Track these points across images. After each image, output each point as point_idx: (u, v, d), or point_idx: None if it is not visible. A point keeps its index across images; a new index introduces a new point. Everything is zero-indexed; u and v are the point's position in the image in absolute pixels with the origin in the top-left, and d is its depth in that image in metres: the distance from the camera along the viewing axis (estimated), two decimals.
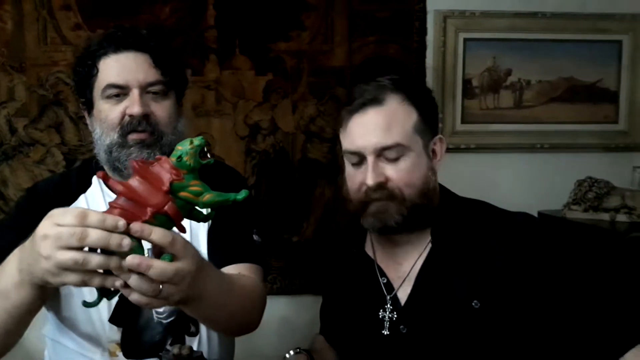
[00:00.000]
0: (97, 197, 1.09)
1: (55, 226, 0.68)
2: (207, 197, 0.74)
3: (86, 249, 0.68)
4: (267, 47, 1.78)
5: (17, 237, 1.01)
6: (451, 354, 0.93)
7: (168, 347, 0.97)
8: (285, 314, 1.89)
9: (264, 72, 1.79)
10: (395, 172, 0.95)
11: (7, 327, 0.83)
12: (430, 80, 1.83)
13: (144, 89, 1.02)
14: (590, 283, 0.95)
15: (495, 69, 1.86)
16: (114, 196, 1.05)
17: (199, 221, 0.77)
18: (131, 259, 0.67)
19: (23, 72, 1.72)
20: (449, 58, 1.84)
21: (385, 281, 1.02)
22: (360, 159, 0.97)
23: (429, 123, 1.00)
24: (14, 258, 0.78)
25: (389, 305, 1.01)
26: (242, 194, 0.75)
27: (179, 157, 0.73)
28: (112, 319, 1.00)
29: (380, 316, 1.00)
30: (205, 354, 1.01)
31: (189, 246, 0.75)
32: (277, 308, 1.86)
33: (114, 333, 1.02)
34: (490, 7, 1.83)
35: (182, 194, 0.73)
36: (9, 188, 1.75)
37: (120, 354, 1.01)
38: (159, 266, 0.69)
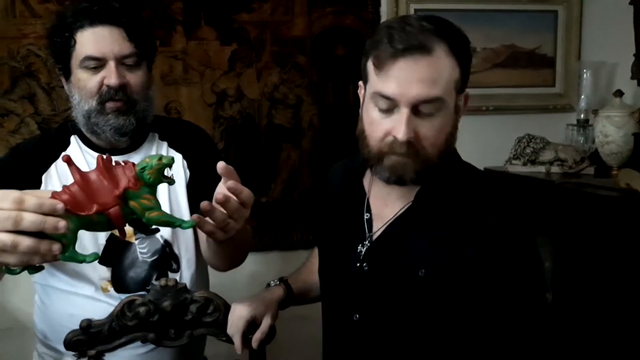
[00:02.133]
0: (76, 154, 1.18)
1: None
2: (154, 214, 0.76)
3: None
4: (231, 18, 1.88)
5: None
6: (401, 307, 0.95)
7: (154, 281, 1.09)
8: (255, 269, 2.02)
9: (229, 42, 1.89)
10: (428, 130, 0.88)
11: None
12: None
13: (120, 61, 1.11)
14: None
15: None
16: (93, 154, 1.17)
17: (140, 232, 0.82)
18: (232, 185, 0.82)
19: None
20: None
21: (368, 217, 1.01)
22: (391, 106, 0.88)
23: (465, 78, 0.93)
24: None
25: (367, 242, 1.00)
26: (188, 223, 0.78)
27: (143, 169, 0.75)
28: (101, 261, 1.11)
29: (358, 250, 1.00)
30: None
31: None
32: (247, 263, 1.97)
33: (104, 272, 1.13)
34: None
35: (132, 203, 0.75)
36: None
37: (111, 289, 1.13)
38: (248, 191, 0.85)
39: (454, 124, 0.93)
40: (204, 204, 0.84)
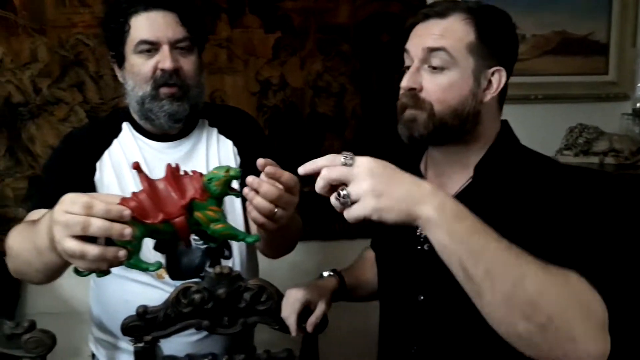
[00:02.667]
0: (128, 141, 1.19)
1: (64, 213, 0.72)
2: (219, 226, 0.76)
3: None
4: (276, 5, 1.87)
5: (61, 177, 1.14)
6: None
7: (208, 268, 1.10)
8: (295, 259, 2.02)
9: (273, 30, 1.88)
10: (431, 84, 0.94)
11: (46, 273, 0.94)
12: None
13: (173, 45, 1.11)
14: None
15: None
16: (145, 140, 1.17)
17: (205, 242, 0.83)
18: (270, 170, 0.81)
19: (44, 34, 1.80)
20: None
21: None
22: (409, 63, 0.96)
23: (492, 50, 0.94)
24: (45, 222, 0.80)
25: None
26: (252, 238, 0.79)
27: (210, 180, 0.75)
28: (156, 247, 1.13)
29: (418, 233, 0.99)
30: None
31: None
32: (289, 254, 2.00)
33: (158, 258, 1.14)
34: None
35: (198, 214, 0.75)
36: (36, 145, 1.85)
37: (166, 276, 1.14)
38: (289, 174, 0.85)
39: (472, 91, 0.94)
40: (249, 179, 0.83)
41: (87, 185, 1.14)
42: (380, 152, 1.13)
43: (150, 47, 1.11)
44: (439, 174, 1.03)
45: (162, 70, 1.11)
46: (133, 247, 0.74)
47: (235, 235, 0.78)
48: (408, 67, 0.97)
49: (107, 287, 1.18)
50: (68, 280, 1.93)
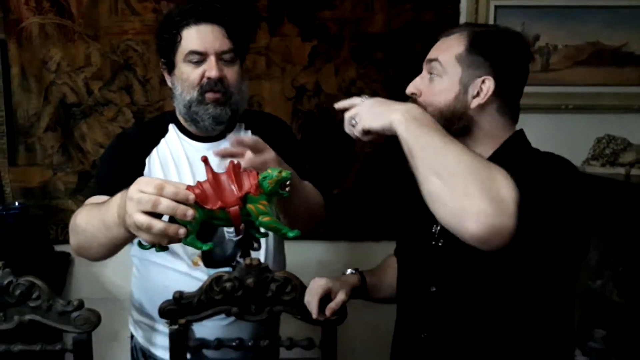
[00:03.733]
0: (174, 141, 1.30)
1: (139, 192, 0.82)
2: (266, 219, 0.85)
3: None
4: (313, 15, 1.96)
5: (116, 169, 1.26)
6: (481, 273, 1.01)
7: (239, 259, 1.19)
8: (324, 258, 2.10)
9: (310, 38, 1.97)
10: (426, 89, 1.06)
11: (109, 247, 1.05)
12: None
13: (219, 56, 1.22)
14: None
15: (524, 35, 1.98)
16: (189, 141, 1.28)
17: (252, 231, 0.91)
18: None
19: (97, 40, 1.95)
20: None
21: None
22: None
23: (484, 62, 1.03)
24: (116, 200, 0.92)
25: None
26: (293, 233, 0.86)
27: (264, 178, 0.84)
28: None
29: (432, 230, 1.08)
30: None
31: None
32: (317, 251, 2.08)
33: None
34: None
35: (250, 206, 0.84)
36: (86, 142, 2.00)
37: (201, 263, 1.24)
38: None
39: (457, 97, 1.04)
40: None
41: (138, 177, 1.25)
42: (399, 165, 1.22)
43: (199, 58, 1.22)
44: None
45: (209, 78, 1.22)
46: (192, 228, 0.82)
47: (279, 228, 0.86)
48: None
49: (149, 274, 1.29)
50: (110, 269, 2.07)
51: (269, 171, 0.85)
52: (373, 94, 2.04)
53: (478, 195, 0.84)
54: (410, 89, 1.08)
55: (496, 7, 1.97)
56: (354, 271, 1.25)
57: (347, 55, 1.98)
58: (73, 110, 1.98)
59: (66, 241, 1.35)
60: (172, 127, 1.32)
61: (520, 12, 1.98)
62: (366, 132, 0.98)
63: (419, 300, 1.09)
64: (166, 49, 1.25)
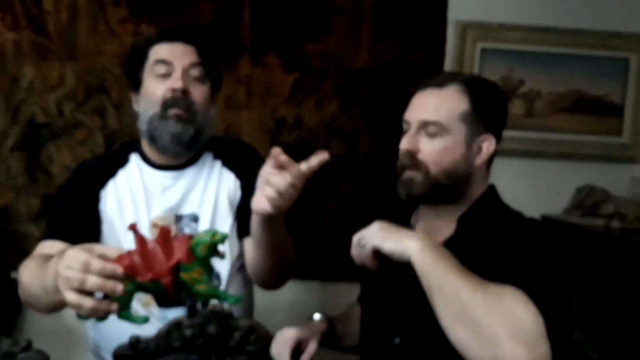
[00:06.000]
0: (133, 171, 1.24)
1: (66, 269, 0.81)
2: (201, 288, 0.82)
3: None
4: (297, 47, 1.92)
5: (69, 206, 1.20)
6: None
7: (199, 306, 1.11)
8: (294, 298, 2.02)
9: (293, 70, 1.93)
10: (427, 147, 1.03)
11: (51, 308, 1.03)
12: None
13: (186, 71, 1.18)
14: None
15: (509, 79, 1.98)
16: (149, 170, 1.22)
17: (190, 298, 0.87)
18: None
19: (73, 60, 1.88)
20: (466, 66, 1.96)
21: None
22: (408, 127, 1.07)
23: (483, 120, 1.04)
24: (53, 268, 0.88)
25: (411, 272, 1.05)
26: (234, 299, 0.85)
27: (197, 244, 0.80)
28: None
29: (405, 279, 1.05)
30: None
31: None
32: (288, 290, 1.98)
33: None
34: (508, 19, 1.95)
35: (183, 275, 0.81)
36: (53, 165, 1.91)
37: (154, 305, 1.16)
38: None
39: (463, 155, 1.03)
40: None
41: (93, 213, 1.20)
42: (378, 208, 1.19)
43: (165, 69, 1.17)
44: (428, 228, 1.09)
45: (172, 89, 1.16)
46: (123, 302, 0.81)
47: (217, 295, 0.84)
48: (405, 132, 1.07)
49: None
50: None
51: (201, 235, 0.81)
52: (355, 130, 2.02)
53: (507, 341, 0.82)
54: (407, 145, 1.05)
55: (482, 49, 1.96)
56: (320, 316, 1.20)
57: (329, 90, 1.94)
58: (42, 130, 1.90)
59: None
60: (133, 157, 1.26)
61: (506, 56, 1.97)
62: (375, 252, 0.96)
63: (383, 354, 1.04)
64: (134, 65, 1.22)
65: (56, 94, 1.89)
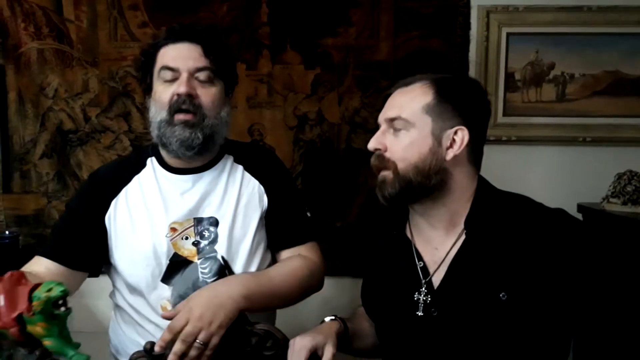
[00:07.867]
0: (149, 177, 1.22)
1: None
2: (47, 343, 0.78)
3: None
4: (316, 42, 1.89)
5: (70, 226, 1.20)
6: (478, 340, 0.97)
7: None
8: (326, 295, 1.99)
9: (313, 66, 1.90)
10: (394, 144, 1.01)
11: None
12: (473, 73, 1.88)
13: (192, 74, 1.15)
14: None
15: (538, 63, 1.89)
16: (166, 174, 1.20)
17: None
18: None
19: (96, 66, 1.91)
20: (491, 52, 1.89)
21: (422, 265, 1.06)
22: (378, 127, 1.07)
23: (454, 112, 1.00)
24: None
25: (423, 289, 1.03)
26: (83, 358, 0.79)
27: (34, 298, 0.77)
28: (163, 279, 1.15)
29: (415, 298, 1.03)
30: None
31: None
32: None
33: (165, 290, 1.15)
34: (534, 1, 1.86)
35: (29, 327, 0.78)
36: (82, 170, 1.94)
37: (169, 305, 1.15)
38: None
39: (432, 149, 1.00)
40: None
41: (97, 225, 1.19)
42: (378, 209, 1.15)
43: (172, 75, 1.15)
44: (428, 239, 1.07)
45: (177, 94, 1.14)
46: None
47: (64, 353, 0.79)
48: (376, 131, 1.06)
49: (123, 319, 1.21)
50: (103, 302, 1.99)
51: (39, 290, 0.77)
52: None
53: None
54: (373, 144, 1.03)
55: (508, 34, 1.88)
56: (333, 318, 1.16)
57: (350, 84, 1.91)
58: (70, 136, 1.94)
59: None
60: (150, 161, 1.24)
61: (534, 39, 1.88)
62: None
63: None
64: (145, 72, 1.20)
65: (81, 100, 1.92)
